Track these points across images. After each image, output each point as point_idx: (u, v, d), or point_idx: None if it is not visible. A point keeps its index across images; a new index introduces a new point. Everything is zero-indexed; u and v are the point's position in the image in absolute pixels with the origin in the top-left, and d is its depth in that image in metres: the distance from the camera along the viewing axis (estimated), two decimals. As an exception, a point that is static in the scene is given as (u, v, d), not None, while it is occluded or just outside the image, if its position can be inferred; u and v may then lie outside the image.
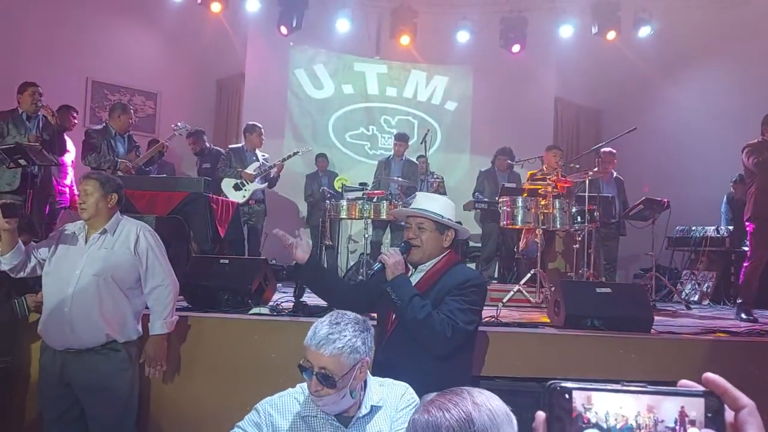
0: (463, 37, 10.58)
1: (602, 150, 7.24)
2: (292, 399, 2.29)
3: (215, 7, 9.44)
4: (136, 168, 6.50)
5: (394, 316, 2.96)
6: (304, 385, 2.26)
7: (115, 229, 3.57)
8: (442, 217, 3.05)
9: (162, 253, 3.66)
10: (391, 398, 2.32)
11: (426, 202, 3.12)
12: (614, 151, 7.64)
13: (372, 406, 2.26)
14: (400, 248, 3.02)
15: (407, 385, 2.41)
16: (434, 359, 2.82)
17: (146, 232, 3.62)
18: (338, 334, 2.12)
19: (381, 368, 2.70)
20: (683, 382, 0.79)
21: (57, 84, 8.00)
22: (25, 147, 5.77)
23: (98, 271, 3.43)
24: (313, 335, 2.14)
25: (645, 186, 8.45)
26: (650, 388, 0.75)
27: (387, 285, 2.89)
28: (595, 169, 6.77)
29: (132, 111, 6.91)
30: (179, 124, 7.13)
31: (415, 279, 3.02)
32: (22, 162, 5.79)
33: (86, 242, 3.52)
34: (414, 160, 8.81)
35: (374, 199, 7.08)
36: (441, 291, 2.93)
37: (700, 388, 0.76)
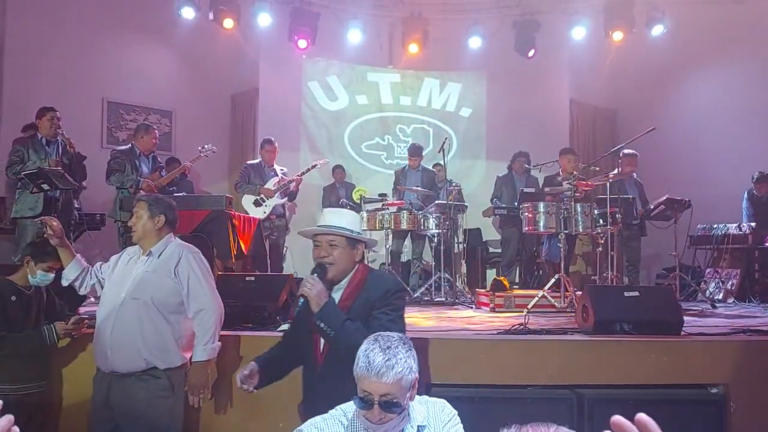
0: (475, 42, 10.54)
1: (623, 152, 7.19)
2: (337, 422, 2.26)
3: (228, 24, 9.47)
4: (159, 188, 6.52)
5: (322, 343, 2.89)
6: (345, 406, 2.24)
7: (162, 251, 3.50)
8: (352, 231, 2.97)
9: (205, 276, 3.53)
10: (433, 415, 2.31)
11: (334, 218, 3.04)
12: (636, 153, 7.56)
13: (418, 426, 2.24)
14: (318, 274, 2.90)
15: (444, 400, 2.40)
16: None
17: (189, 255, 3.53)
18: (394, 358, 2.12)
19: (322, 398, 2.60)
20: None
21: (73, 105, 8.12)
22: (47, 172, 5.82)
23: (139, 294, 3.37)
24: (368, 365, 2.11)
25: None
26: None
27: (315, 318, 2.78)
28: (615, 171, 6.73)
29: (155, 131, 6.96)
30: (206, 146, 7.06)
31: (335, 298, 2.93)
32: (45, 187, 5.83)
33: (136, 264, 3.50)
34: (431, 168, 8.80)
35: (394, 210, 7.09)
36: (366, 305, 2.89)
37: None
